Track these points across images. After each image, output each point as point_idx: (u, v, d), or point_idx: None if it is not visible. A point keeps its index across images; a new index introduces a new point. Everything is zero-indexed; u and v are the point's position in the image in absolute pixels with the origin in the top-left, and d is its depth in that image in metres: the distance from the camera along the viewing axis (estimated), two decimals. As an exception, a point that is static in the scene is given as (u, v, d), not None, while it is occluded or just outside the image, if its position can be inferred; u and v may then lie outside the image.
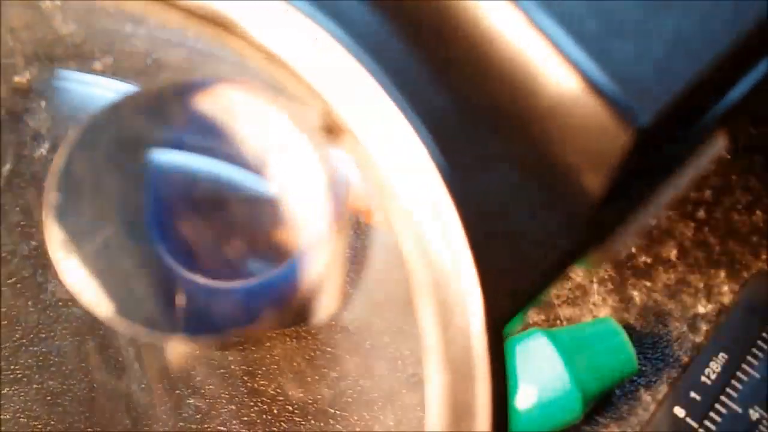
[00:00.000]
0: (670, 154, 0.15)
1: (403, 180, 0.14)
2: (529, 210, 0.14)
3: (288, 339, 0.20)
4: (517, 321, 0.15)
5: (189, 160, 0.19)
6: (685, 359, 0.30)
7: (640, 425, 0.29)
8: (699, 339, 0.30)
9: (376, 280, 0.20)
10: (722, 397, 0.28)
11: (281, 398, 0.20)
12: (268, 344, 0.20)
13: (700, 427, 0.28)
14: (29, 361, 0.20)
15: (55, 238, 0.18)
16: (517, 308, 0.14)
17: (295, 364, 0.20)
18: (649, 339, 0.30)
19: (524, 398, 0.27)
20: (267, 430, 0.20)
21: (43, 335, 0.20)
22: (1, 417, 0.20)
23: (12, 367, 0.20)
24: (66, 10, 0.21)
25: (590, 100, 0.13)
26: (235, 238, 0.19)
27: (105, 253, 0.18)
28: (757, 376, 0.28)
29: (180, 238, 0.18)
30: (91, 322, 0.20)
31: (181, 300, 0.18)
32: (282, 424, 0.20)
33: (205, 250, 0.18)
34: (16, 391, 0.20)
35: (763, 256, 0.30)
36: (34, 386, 0.20)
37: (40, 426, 0.20)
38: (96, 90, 0.21)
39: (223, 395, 0.20)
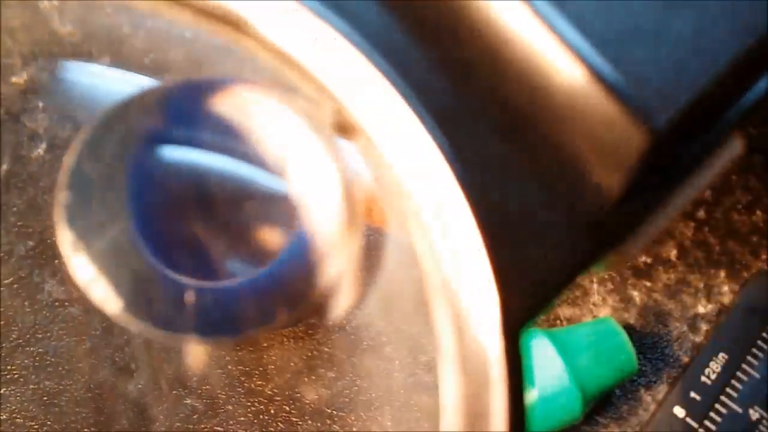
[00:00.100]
0: (686, 156, 0.15)
1: (415, 180, 0.14)
2: (545, 212, 0.14)
3: (285, 339, 0.20)
4: (532, 323, 0.14)
5: (200, 159, 0.19)
6: (685, 359, 0.30)
7: (640, 425, 0.29)
8: (699, 339, 0.30)
9: (375, 280, 0.20)
10: (722, 397, 0.28)
11: (278, 398, 0.20)
12: (265, 344, 0.20)
13: (700, 427, 0.28)
14: (26, 361, 0.20)
15: (65, 237, 0.18)
16: (533, 311, 0.14)
17: (292, 364, 0.20)
18: (649, 339, 0.30)
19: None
20: (264, 430, 0.20)
21: (40, 336, 0.20)
22: (-1, 417, 0.20)
23: (9, 367, 0.20)
24: (64, 9, 0.21)
25: (607, 103, 0.13)
26: (244, 237, 0.19)
27: (115, 251, 0.18)
28: (757, 376, 0.28)
29: (188, 237, 0.18)
30: (88, 323, 0.20)
31: (190, 299, 0.18)
32: (279, 424, 0.20)
33: (215, 249, 0.18)
34: (12, 392, 0.20)
35: (763, 256, 0.30)
36: (31, 387, 0.20)
37: (36, 426, 0.20)
38: (94, 90, 0.21)
39: (220, 395, 0.20)
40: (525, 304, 0.14)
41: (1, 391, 0.20)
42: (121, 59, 0.21)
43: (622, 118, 0.13)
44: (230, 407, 0.20)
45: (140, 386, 0.20)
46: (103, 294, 0.18)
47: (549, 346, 0.28)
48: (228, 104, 0.18)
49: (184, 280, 0.18)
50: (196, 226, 0.19)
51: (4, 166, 0.21)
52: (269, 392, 0.20)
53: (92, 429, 0.20)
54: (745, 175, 0.30)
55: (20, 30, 0.21)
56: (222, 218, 0.19)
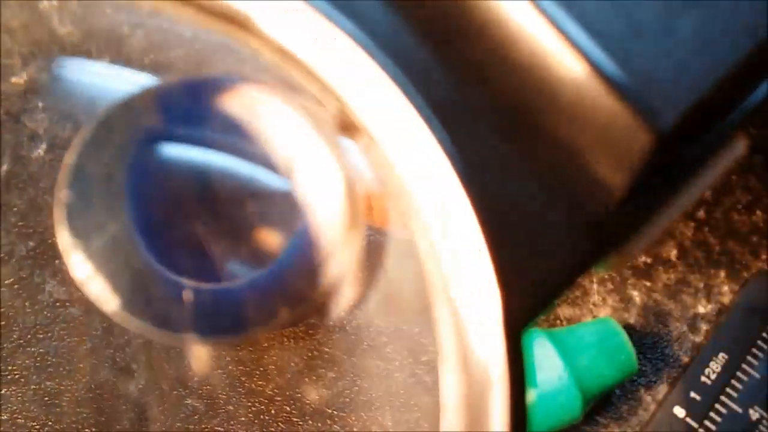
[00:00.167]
0: (691, 157, 0.15)
1: (417, 180, 0.14)
2: (549, 211, 0.14)
3: (285, 339, 0.20)
4: (534, 323, 0.14)
5: (201, 158, 0.19)
6: (685, 359, 0.30)
7: (640, 425, 0.29)
8: (699, 339, 0.30)
9: (376, 280, 0.20)
10: (722, 397, 0.28)
11: (279, 399, 0.20)
12: (265, 344, 0.20)
13: (700, 427, 0.28)
14: (27, 361, 0.20)
15: (65, 235, 0.18)
16: (534, 311, 0.14)
17: (292, 364, 0.20)
18: (649, 339, 0.30)
19: (524, 398, 0.27)
20: (264, 430, 0.20)
21: (41, 336, 0.20)
22: (-1, 418, 0.20)
23: (9, 367, 0.20)
24: (64, 9, 0.21)
25: (612, 103, 0.13)
26: (245, 236, 0.19)
27: (114, 250, 0.18)
28: (757, 376, 0.28)
29: (189, 237, 0.18)
30: (88, 323, 0.20)
31: (191, 299, 0.18)
32: (279, 424, 0.20)
33: (216, 249, 0.18)
34: (13, 392, 0.20)
35: (763, 256, 0.30)
36: (32, 387, 0.20)
37: (37, 427, 0.20)
38: (94, 90, 0.21)
39: (220, 396, 0.20)
40: (526, 304, 0.14)
41: (2, 392, 0.20)
42: (121, 59, 0.21)
43: (626, 118, 0.13)
44: (231, 407, 0.20)
45: (141, 386, 0.20)
46: (103, 293, 0.18)
47: (549, 346, 0.27)
48: (229, 103, 0.18)
49: (185, 280, 0.18)
50: (197, 226, 0.19)
51: (5, 166, 0.21)
52: (270, 392, 0.20)
53: (93, 429, 0.20)
54: (745, 175, 0.31)
55: (20, 30, 0.21)
56: (222, 218, 0.19)
